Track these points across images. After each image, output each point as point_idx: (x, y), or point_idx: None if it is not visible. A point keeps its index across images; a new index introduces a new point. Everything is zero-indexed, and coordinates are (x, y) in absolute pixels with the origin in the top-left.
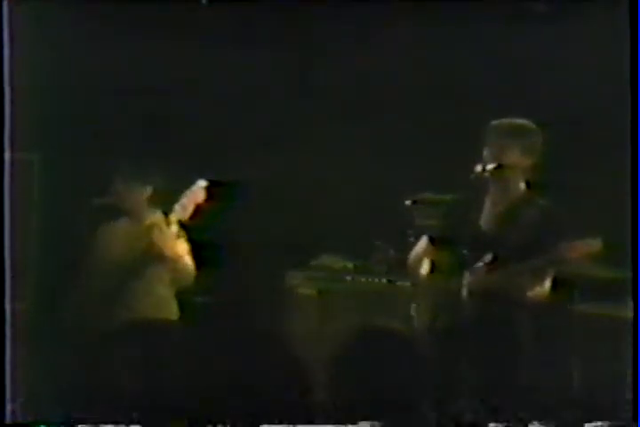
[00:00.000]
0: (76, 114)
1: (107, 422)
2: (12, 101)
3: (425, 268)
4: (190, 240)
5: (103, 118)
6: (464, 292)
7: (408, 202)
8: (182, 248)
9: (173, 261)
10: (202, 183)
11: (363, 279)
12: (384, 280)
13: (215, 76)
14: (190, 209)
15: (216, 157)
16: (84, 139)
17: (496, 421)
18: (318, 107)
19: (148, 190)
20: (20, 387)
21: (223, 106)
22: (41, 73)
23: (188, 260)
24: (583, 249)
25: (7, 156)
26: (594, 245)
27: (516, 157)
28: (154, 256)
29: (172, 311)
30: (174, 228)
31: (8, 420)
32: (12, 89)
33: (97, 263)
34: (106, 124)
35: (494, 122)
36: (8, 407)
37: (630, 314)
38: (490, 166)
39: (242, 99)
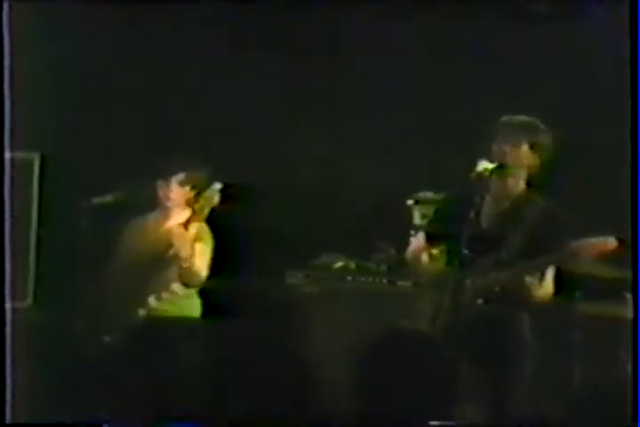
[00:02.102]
0: (77, 113)
1: (110, 424)
2: (12, 101)
3: (424, 263)
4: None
5: (103, 118)
6: (467, 291)
7: (409, 202)
8: (198, 251)
9: (185, 262)
10: (217, 186)
11: (363, 279)
12: (384, 280)
13: (215, 76)
14: (206, 212)
15: (216, 158)
16: (83, 138)
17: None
18: (318, 106)
19: (192, 192)
20: (19, 387)
21: (218, 105)
22: (41, 72)
23: (199, 264)
24: (598, 248)
25: (7, 155)
26: (609, 243)
27: (522, 156)
28: (170, 257)
29: (194, 309)
30: (192, 230)
31: (8, 420)
32: (12, 89)
33: (106, 261)
34: (106, 123)
35: (498, 120)
36: (8, 407)
37: (630, 314)
38: (491, 166)
39: (239, 98)
